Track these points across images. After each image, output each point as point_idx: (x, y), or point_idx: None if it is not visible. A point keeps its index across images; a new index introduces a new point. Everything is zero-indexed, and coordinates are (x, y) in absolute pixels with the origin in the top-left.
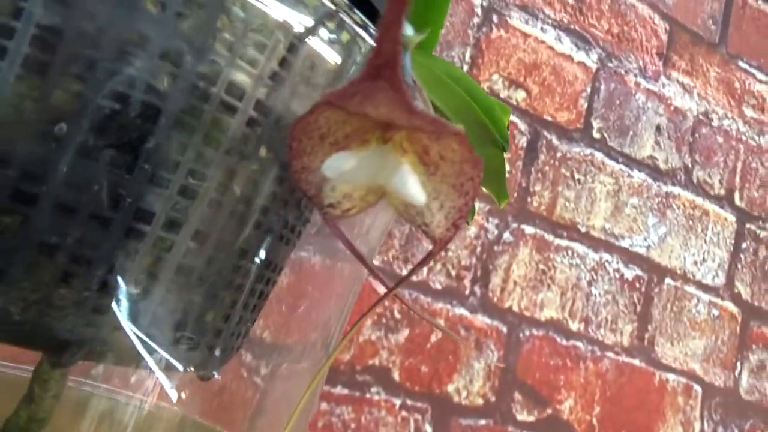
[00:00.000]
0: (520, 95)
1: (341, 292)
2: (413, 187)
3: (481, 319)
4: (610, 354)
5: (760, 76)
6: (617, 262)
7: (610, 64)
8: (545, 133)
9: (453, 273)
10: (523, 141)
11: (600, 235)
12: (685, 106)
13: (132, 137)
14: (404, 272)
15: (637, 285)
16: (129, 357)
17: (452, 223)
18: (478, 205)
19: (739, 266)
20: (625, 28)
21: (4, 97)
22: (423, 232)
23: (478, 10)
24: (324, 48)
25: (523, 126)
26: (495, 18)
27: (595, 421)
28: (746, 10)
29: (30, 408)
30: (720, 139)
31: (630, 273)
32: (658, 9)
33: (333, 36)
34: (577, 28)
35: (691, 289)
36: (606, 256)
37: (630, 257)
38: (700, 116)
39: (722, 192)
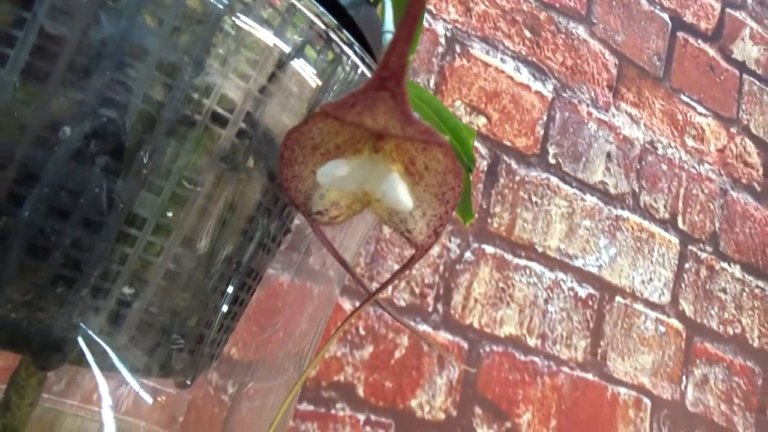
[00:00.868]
0: (481, 121)
1: (313, 312)
2: (402, 193)
3: (444, 335)
4: (565, 369)
5: (699, 109)
6: (571, 281)
7: (564, 94)
8: (505, 158)
9: (417, 290)
10: (483, 164)
11: (555, 255)
12: (633, 135)
13: (127, 144)
14: (372, 288)
15: (590, 302)
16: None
17: (433, 230)
18: None
19: (683, 285)
20: (578, 61)
21: (3, 103)
22: (406, 238)
23: (442, 40)
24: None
25: (483, 150)
26: (458, 48)
27: None
28: (687, 48)
29: (5, 416)
30: (664, 167)
31: (583, 291)
32: (608, 45)
33: (320, 54)
34: (534, 59)
35: (639, 306)
36: (561, 275)
37: (583, 276)
38: (647, 145)
39: (666, 216)
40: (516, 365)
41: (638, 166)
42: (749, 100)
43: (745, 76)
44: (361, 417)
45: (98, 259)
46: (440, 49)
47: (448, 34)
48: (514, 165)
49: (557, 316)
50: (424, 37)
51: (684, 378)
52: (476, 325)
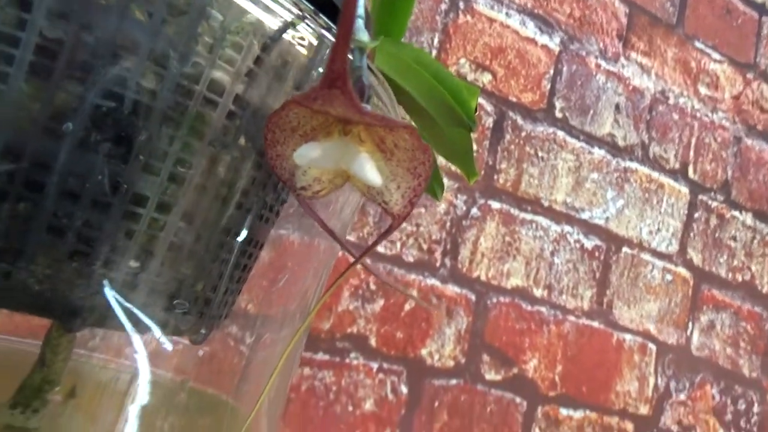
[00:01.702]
0: (486, 78)
1: (317, 266)
2: (370, 171)
3: (452, 289)
4: (571, 317)
5: (714, 55)
6: (578, 233)
7: (572, 47)
8: (510, 114)
9: (424, 247)
10: (489, 121)
11: (562, 208)
12: (643, 86)
13: (126, 132)
14: (378, 248)
15: (597, 254)
16: (131, 321)
17: (408, 201)
18: (447, 182)
19: (692, 235)
20: (587, 11)
21: (13, 99)
22: (383, 209)
23: None
24: (293, 47)
25: (489, 107)
26: (461, 4)
27: (557, 378)
28: None
29: (42, 371)
30: (675, 116)
31: (590, 243)
32: None
33: (301, 37)
34: (540, 12)
35: (646, 256)
36: (567, 228)
37: (590, 228)
38: (657, 95)
39: (677, 166)
40: (522, 315)
41: (648, 117)
42: None
43: (764, 18)
44: (374, 365)
45: (108, 236)
46: (444, 6)
47: None
48: (519, 121)
49: (563, 267)
50: None
51: (690, 324)
52: (483, 278)
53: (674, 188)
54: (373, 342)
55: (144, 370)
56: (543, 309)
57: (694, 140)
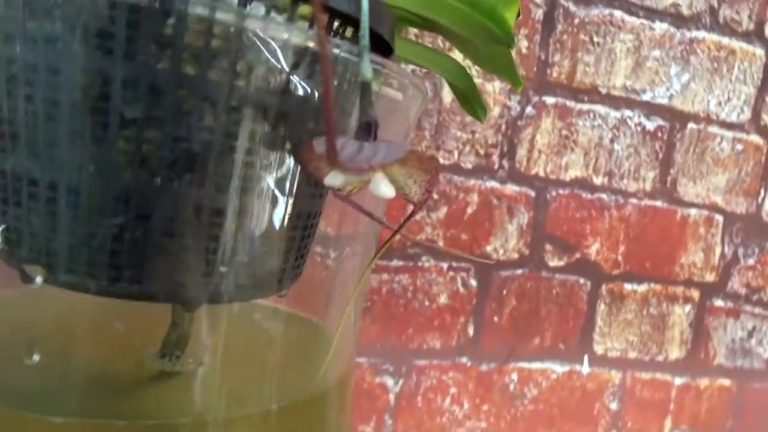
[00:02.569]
0: None
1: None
2: (384, 189)
3: (511, 188)
4: (633, 200)
5: None
6: (639, 116)
7: None
8: (562, 1)
9: (481, 152)
10: (539, 14)
11: (621, 93)
12: None
13: (199, 163)
14: (441, 159)
15: (659, 134)
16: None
17: (426, 190)
18: (499, 85)
19: (767, 99)
20: None
21: (113, 155)
22: (406, 199)
23: None
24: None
25: None
26: None
27: (620, 258)
28: None
29: (176, 329)
30: None
31: (652, 124)
32: None
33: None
34: None
35: (714, 129)
36: (627, 113)
37: (651, 109)
38: None
39: (751, 27)
40: (583, 204)
41: None
42: None
43: None
44: (444, 265)
45: (204, 244)
46: None
47: None
48: (572, 7)
49: (624, 152)
50: None
51: (762, 191)
52: (541, 174)
53: (747, 51)
54: (441, 245)
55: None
56: (603, 196)
57: None
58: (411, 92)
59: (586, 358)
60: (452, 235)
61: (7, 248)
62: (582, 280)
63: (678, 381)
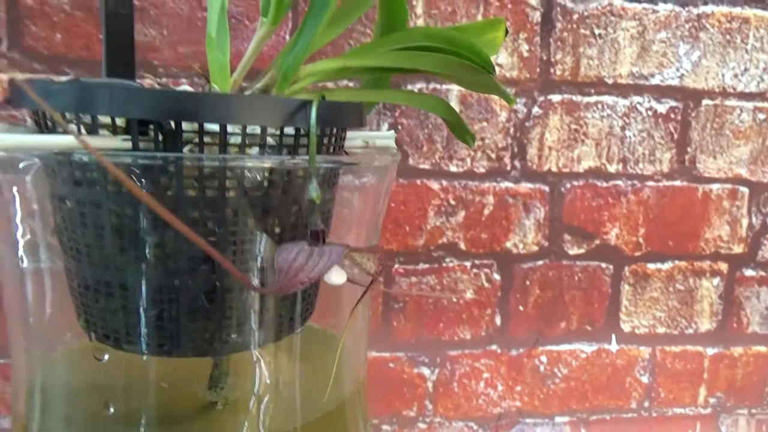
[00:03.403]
0: None
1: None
2: (335, 278)
3: (525, 186)
4: (650, 183)
5: None
6: (649, 101)
7: None
8: (558, 0)
9: (493, 156)
10: (536, 16)
11: (628, 80)
12: None
13: (209, 256)
14: (451, 168)
15: (672, 115)
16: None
17: (379, 265)
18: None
19: None
20: None
21: (146, 260)
22: (366, 273)
23: None
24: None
25: (534, 1)
26: None
27: (641, 240)
28: None
29: (218, 368)
30: None
31: (663, 107)
32: None
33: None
34: None
35: (732, 102)
36: (637, 99)
37: (662, 92)
38: None
39: None
40: (598, 192)
41: None
42: None
43: None
44: (467, 263)
45: (219, 314)
46: None
47: None
48: (569, 4)
49: (636, 138)
50: None
51: None
52: (554, 169)
53: (762, 18)
54: (462, 246)
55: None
56: (619, 182)
57: None
58: (374, 176)
59: (613, 336)
60: (472, 236)
61: (88, 328)
62: (604, 265)
63: (710, 351)
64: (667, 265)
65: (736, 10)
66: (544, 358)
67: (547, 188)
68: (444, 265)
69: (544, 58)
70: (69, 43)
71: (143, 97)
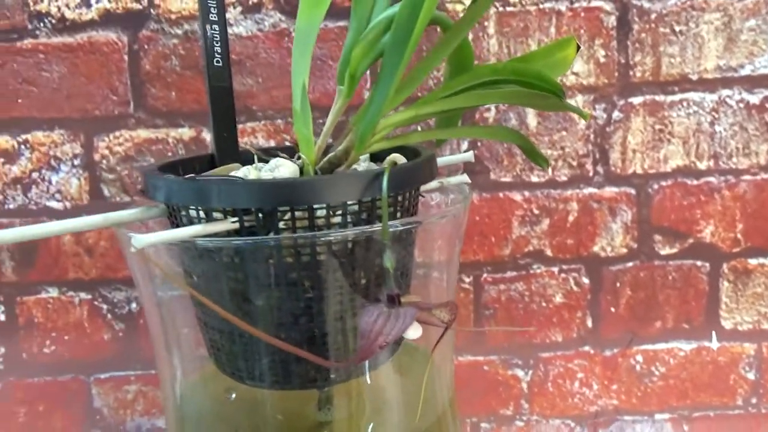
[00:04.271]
0: None
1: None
2: (413, 333)
3: (609, 190)
4: (746, 177)
5: None
6: (739, 93)
7: None
8: (634, 2)
9: (574, 164)
10: (611, 21)
11: (715, 74)
12: None
13: (308, 308)
14: (532, 179)
15: (767, 105)
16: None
17: (452, 314)
18: (582, 97)
19: None
20: None
21: (257, 313)
22: (442, 321)
23: None
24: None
25: (608, 6)
26: None
27: (739, 236)
28: None
29: (325, 392)
30: None
31: (756, 97)
32: None
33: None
34: None
35: None
36: (725, 92)
37: (754, 82)
38: None
39: None
40: (689, 191)
41: None
42: None
43: None
44: (555, 269)
45: (329, 350)
46: None
47: None
48: (646, 4)
49: (728, 132)
50: None
51: None
52: (639, 171)
53: None
54: (549, 252)
55: None
56: (711, 179)
57: None
58: (448, 216)
59: (714, 334)
60: (558, 242)
61: (218, 367)
62: (699, 263)
63: None
64: None
65: None
66: (639, 357)
67: (633, 191)
68: (531, 271)
69: (622, 61)
70: (182, 99)
71: (244, 191)
